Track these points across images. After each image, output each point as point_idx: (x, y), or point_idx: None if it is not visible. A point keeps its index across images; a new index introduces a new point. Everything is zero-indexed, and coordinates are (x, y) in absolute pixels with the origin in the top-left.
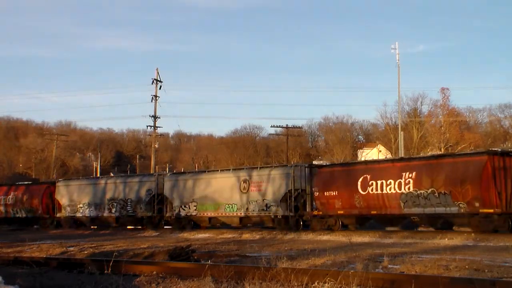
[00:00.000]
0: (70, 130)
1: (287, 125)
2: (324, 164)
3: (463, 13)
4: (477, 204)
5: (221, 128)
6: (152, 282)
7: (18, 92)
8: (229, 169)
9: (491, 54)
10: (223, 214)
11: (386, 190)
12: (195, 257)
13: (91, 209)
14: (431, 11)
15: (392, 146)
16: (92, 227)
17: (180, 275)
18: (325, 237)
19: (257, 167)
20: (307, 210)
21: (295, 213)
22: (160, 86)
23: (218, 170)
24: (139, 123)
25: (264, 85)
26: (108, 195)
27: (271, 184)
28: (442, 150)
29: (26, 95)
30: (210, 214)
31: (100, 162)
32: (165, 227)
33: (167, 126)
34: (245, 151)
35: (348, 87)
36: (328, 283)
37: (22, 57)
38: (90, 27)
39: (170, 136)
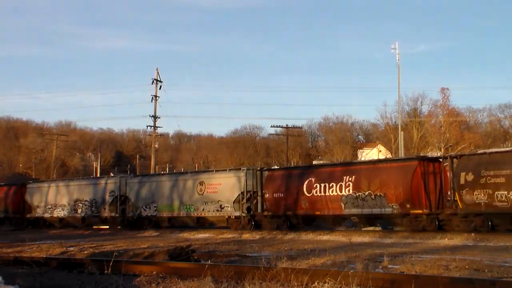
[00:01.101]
0: (70, 130)
1: (287, 125)
2: (274, 168)
3: (463, 13)
4: (408, 206)
5: (221, 128)
6: (152, 282)
7: (18, 92)
8: (187, 172)
9: (491, 54)
10: (182, 215)
11: (329, 192)
12: (195, 257)
13: (59, 210)
14: (431, 11)
15: (392, 146)
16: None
17: (180, 275)
18: (325, 237)
19: (213, 170)
20: (259, 211)
21: (248, 213)
22: (160, 86)
23: (177, 173)
24: (139, 123)
25: (264, 85)
26: (75, 197)
27: (225, 186)
28: (442, 150)
29: (26, 95)
30: (169, 214)
31: (100, 162)
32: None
33: (167, 126)
34: (245, 151)
35: (348, 87)
36: (328, 283)
37: (22, 57)
38: (90, 27)
39: (170, 136)
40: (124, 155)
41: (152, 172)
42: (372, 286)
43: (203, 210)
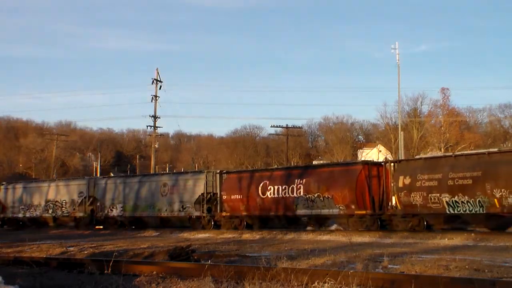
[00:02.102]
0: (70, 130)
1: (287, 125)
2: (232, 171)
3: (463, 13)
4: (353, 207)
5: (221, 128)
6: (152, 282)
7: (18, 92)
8: (152, 174)
9: (491, 54)
10: (147, 215)
11: (282, 194)
12: (195, 257)
13: (32, 210)
14: (431, 11)
15: (392, 146)
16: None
17: (180, 275)
18: (325, 237)
19: (176, 173)
20: (218, 211)
21: (208, 214)
22: (160, 86)
23: (142, 175)
24: (139, 123)
25: (264, 85)
26: (48, 197)
27: (187, 188)
28: (442, 150)
29: (26, 95)
30: (135, 214)
31: (100, 162)
32: (96, 226)
33: (167, 126)
34: (245, 151)
35: (348, 87)
36: (328, 283)
37: (22, 57)
38: (90, 27)
39: (170, 136)
40: (124, 155)
41: (152, 172)
42: (372, 286)
43: (166, 210)
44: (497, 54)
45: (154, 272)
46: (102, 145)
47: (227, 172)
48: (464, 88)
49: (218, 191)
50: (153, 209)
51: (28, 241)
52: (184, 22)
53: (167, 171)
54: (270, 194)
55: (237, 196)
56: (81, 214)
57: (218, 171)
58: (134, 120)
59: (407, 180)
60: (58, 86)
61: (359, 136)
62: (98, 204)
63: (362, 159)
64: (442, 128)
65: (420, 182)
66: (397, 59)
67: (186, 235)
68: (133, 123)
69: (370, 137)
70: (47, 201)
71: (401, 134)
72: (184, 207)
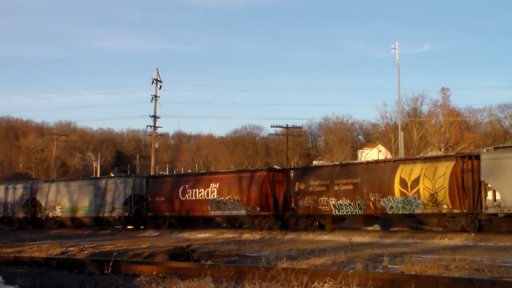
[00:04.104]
0: (70, 130)
1: (287, 125)
2: (157, 175)
3: (463, 13)
4: (258, 208)
5: (221, 128)
6: (152, 282)
7: (18, 92)
8: (87, 178)
9: (491, 54)
10: (83, 216)
11: (199, 197)
12: (195, 257)
13: None
14: (431, 11)
15: (392, 146)
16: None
17: (180, 275)
18: (325, 237)
19: (109, 177)
20: (144, 212)
21: (136, 214)
22: (160, 86)
23: (82, 179)
24: (139, 123)
25: (264, 85)
26: None
27: (117, 190)
28: (442, 150)
29: (26, 95)
30: (73, 215)
31: (100, 162)
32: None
33: (167, 126)
34: (245, 151)
35: (348, 87)
36: (328, 283)
37: (22, 57)
38: (90, 27)
39: (170, 136)
40: (124, 155)
41: (152, 172)
42: (372, 286)
43: (99, 211)
44: (497, 54)
45: (154, 272)
46: (102, 145)
47: (153, 177)
48: (464, 88)
49: (144, 194)
50: (89, 210)
51: (28, 241)
52: (184, 22)
53: (167, 172)
54: (189, 196)
55: (161, 198)
56: (24, 215)
57: (146, 176)
58: (134, 120)
59: (302, 186)
60: (58, 86)
61: (359, 136)
62: (39, 206)
63: (362, 159)
64: (442, 128)
65: (312, 187)
66: (397, 59)
67: (186, 235)
68: (133, 123)
69: (370, 137)
70: None
71: (401, 134)
72: (114, 208)
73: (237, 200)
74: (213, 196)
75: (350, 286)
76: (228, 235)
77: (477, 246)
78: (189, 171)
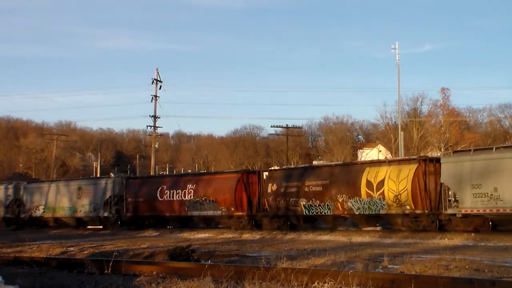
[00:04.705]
0: (70, 130)
1: (287, 125)
2: (135, 176)
3: (463, 13)
4: (233, 209)
5: (221, 128)
6: (152, 282)
7: (18, 92)
8: (69, 179)
9: (491, 54)
10: (64, 215)
11: (176, 198)
12: (195, 257)
13: None
14: (431, 11)
15: (392, 146)
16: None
17: (180, 275)
18: (325, 237)
19: (89, 178)
20: (124, 213)
21: (116, 214)
22: (160, 86)
23: (63, 180)
24: (139, 123)
25: (264, 85)
26: None
27: (98, 191)
28: (442, 150)
29: (26, 95)
30: (55, 215)
31: (100, 162)
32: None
33: (167, 126)
34: (245, 151)
35: (348, 87)
36: (328, 283)
37: (22, 57)
38: (90, 27)
39: (170, 136)
40: (124, 155)
41: (152, 172)
42: (372, 286)
43: (80, 211)
44: (497, 54)
45: (154, 272)
46: (102, 145)
47: (132, 178)
48: (464, 88)
49: (124, 194)
50: (70, 210)
51: (28, 241)
52: (184, 22)
53: (167, 172)
54: (167, 197)
55: (140, 199)
56: (8, 215)
57: (126, 177)
58: (134, 120)
59: (274, 187)
60: (58, 86)
61: (359, 136)
62: (23, 206)
63: (362, 159)
64: (442, 128)
65: (283, 188)
66: (397, 59)
67: (186, 235)
68: (133, 123)
69: (370, 137)
70: None
71: (401, 134)
72: (95, 208)
73: (213, 200)
74: (190, 197)
75: (350, 286)
76: (228, 235)
77: (477, 246)
78: (189, 171)
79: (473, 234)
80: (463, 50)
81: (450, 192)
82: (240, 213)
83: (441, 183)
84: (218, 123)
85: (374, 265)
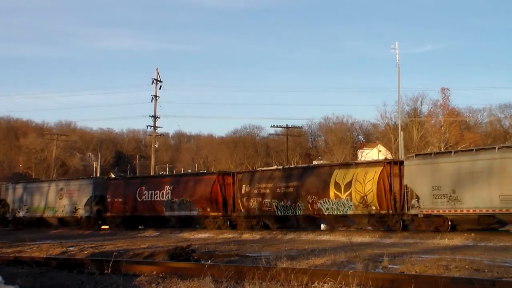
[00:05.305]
0: (70, 130)
1: (287, 125)
2: (116, 177)
3: (463, 13)
4: (208, 209)
5: (221, 128)
6: (152, 282)
7: (18, 92)
8: (51, 180)
9: (491, 54)
10: (47, 215)
11: (154, 198)
12: (195, 257)
13: None
14: (431, 11)
15: (392, 146)
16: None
17: (180, 275)
18: (325, 237)
19: (70, 179)
20: (105, 212)
21: (98, 214)
22: (160, 86)
23: (44, 181)
24: (139, 123)
25: (264, 85)
26: None
27: (79, 192)
28: (442, 150)
29: (26, 95)
30: (38, 215)
31: (100, 162)
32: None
33: (167, 126)
34: (245, 151)
35: (348, 87)
36: (328, 283)
37: (22, 57)
38: (90, 27)
39: (170, 136)
40: (124, 155)
41: (152, 172)
42: (372, 286)
43: (62, 211)
44: (497, 54)
45: (154, 272)
46: (102, 145)
47: (112, 178)
48: (464, 88)
49: (105, 195)
50: (52, 210)
51: (28, 241)
52: (184, 22)
53: (167, 172)
54: (145, 197)
55: (120, 199)
56: None
57: (106, 178)
58: (134, 120)
59: (248, 188)
60: (58, 86)
61: (359, 136)
62: (8, 206)
63: (362, 159)
64: (442, 128)
65: (257, 190)
66: (397, 59)
67: (186, 235)
68: (133, 123)
69: (370, 137)
70: None
71: (401, 134)
72: (76, 208)
73: (190, 201)
74: (168, 197)
75: (350, 286)
76: (228, 235)
77: (477, 246)
78: (189, 171)
79: (473, 234)
80: (463, 50)
81: (414, 194)
82: (216, 214)
83: (405, 185)
84: (218, 123)
85: (374, 265)
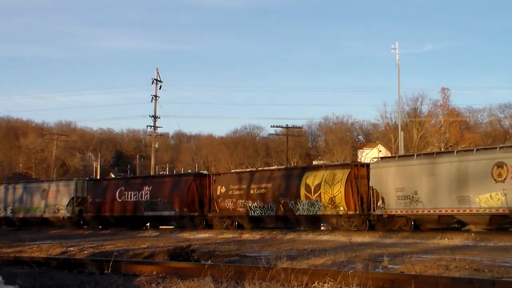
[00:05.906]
0: (70, 130)
1: (287, 125)
2: (97, 178)
3: (463, 13)
4: (185, 209)
5: (221, 128)
6: (152, 282)
7: (18, 92)
8: (34, 181)
9: (491, 54)
10: (31, 216)
11: (134, 199)
12: (195, 257)
13: None
14: (431, 11)
15: (392, 146)
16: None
17: (180, 275)
18: (325, 237)
19: (52, 180)
20: (86, 213)
21: (79, 214)
22: (160, 86)
23: (27, 181)
24: (139, 123)
25: (264, 85)
26: None
27: (61, 192)
28: (442, 150)
29: (26, 95)
30: (21, 215)
31: (100, 162)
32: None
33: (167, 126)
34: (245, 151)
35: (348, 87)
36: (328, 283)
37: (22, 57)
38: (90, 27)
39: (170, 136)
40: (124, 155)
41: (152, 172)
42: (372, 286)
43: (45, 212)
44: (497, 54)
45: (154, 272)
46: (102, 145)
47: (93, 180)
48: (464, 88)
49: (87, 195)
50: (36, 211)
51: (28, 241)
52: (184, 22)
53: (167, 172)
54: (126, 198)
55: (100, 200)
56: None
57: (88, 178)
58: (134, 120)
59: (223, 189)
60: (58, 86)
61: (359, 136)
62: None
63: (363, 159)
64: (442, 128)
65: (231, 191)
66: (397, 59)
67: (186, 235)
68: (133, 123)
69: (370, 137)
70: None
71: (401, 134)
72: (58, 209)
73: (168, 201)
74: (147, 198)
75: (350, 286)
76: (228, 235)
77: (477, 246)
78: (189, 171)
79: (473, 234)
80: (463, 50)
81: (380, 195)
82: (193, 214)
83: (370, 187)
84: (218, 123)
85: (374, 265)
